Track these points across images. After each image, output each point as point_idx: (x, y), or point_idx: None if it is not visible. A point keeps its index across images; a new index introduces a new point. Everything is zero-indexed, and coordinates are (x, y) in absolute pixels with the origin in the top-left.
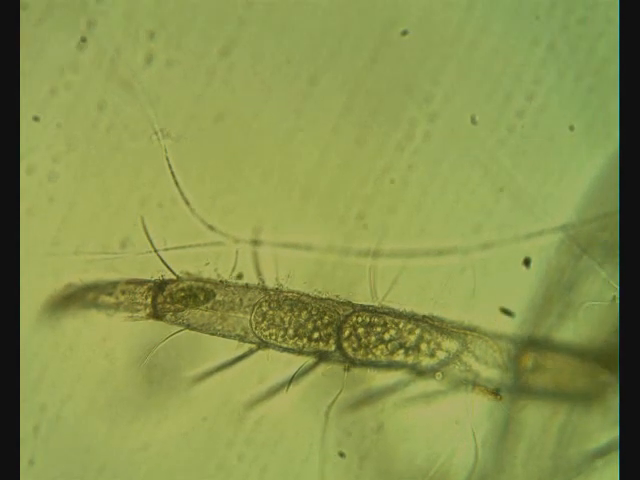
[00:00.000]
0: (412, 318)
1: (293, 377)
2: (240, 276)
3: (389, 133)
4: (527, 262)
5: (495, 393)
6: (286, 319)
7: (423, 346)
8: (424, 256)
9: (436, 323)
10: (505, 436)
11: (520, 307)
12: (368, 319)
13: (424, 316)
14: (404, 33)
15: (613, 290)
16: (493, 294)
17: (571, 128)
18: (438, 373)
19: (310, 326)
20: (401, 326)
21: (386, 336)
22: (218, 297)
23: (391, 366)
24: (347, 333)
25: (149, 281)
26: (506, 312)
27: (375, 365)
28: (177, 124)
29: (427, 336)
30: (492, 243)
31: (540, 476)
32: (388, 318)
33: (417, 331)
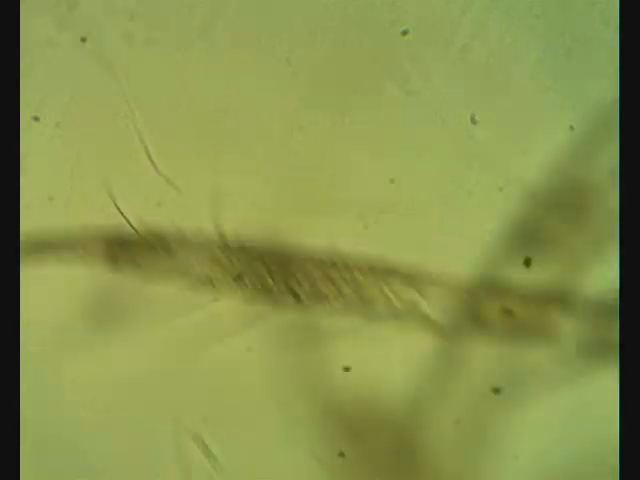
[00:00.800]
0: (367, 266)
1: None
2: (240, 276)
3: None
4: (527, 262)
5: (442, 335)
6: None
7: (377, 292)
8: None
9: (388, 270)
10: (451, 374)
11: (475, 250)
12: (325, 268)
13: (378, 262)
14: (404, 33)
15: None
16: (446, 237)
17: None
18: (390, 316)
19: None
20: (358, 274)
21: (341, 283)
22: (177, 253)
23: (346, 311)
24: (305, 281)
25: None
26: (506, 312)
27: (331, 310)
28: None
29: (381, 283)
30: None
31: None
32: (344, 266)
33: (372, 278)
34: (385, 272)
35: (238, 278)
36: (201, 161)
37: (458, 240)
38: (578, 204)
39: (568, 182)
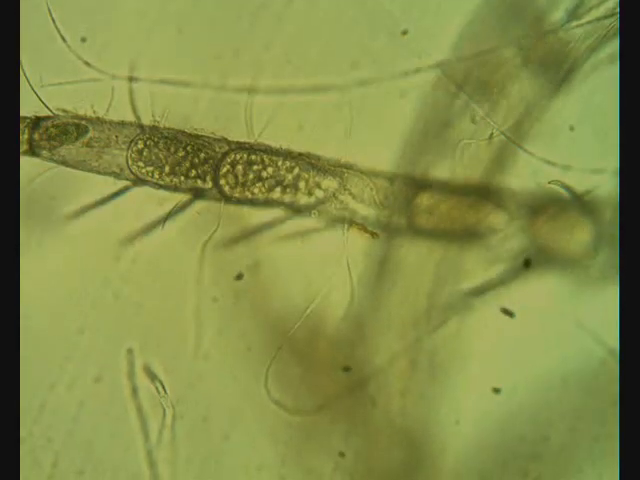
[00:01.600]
0: (289, 156)
1: (169, 214)
2: (240, 276)
3: None
4: (527, 262)
5: (371, 231)
6: (162, 156)
7: (301, 184)
8: (300, 93)
9: (313, 161)
10: (381, 275)
11: (397, 143)
12: (247, 156)
13: (300, 154)
14: (404, 33)
15: (490, 128)
16: (370, 130)
17: None
18: (314, 211)
19: (187, 164)
20: (279, 164)
21: (264, 174)
22: (94, 134)
23: (268, 204)
24: (225, 170)
25: (25, 118)
26: (507, 312)
27: (252, 203)
28: None
29: (305, 175)
30: (369, 80)
31: (415, 315)
32: (266, 156)
33: (296, 170)
34: (311, 165)
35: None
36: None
37: (383, 135)
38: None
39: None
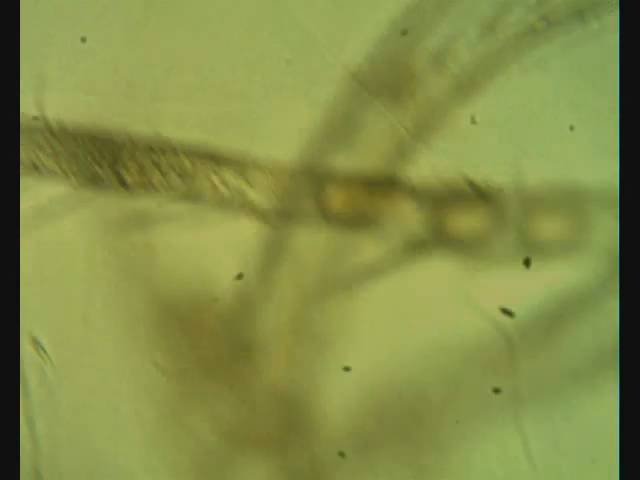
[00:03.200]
0: (189, 146)
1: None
2: (240, 276)
3: None
4: (527, 262)
5: (266, 217)
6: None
7: (201, 173)
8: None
9: (209, 149)
10: (274, 256)
11: (297, 132)
12: (148, 147)
13: (197, 141)
14: (404, 33)
15: (393, 122)
16: (270, 119)
17: None
18: (211, 196)
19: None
20: (180, 154)
21: (164, 162)
22: None
23: (164, 189)
24: (125, 158)
25: None
26: (506, 312)
27: (149, 188)
28: None
29: (205, 163)
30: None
31: (305, 295)
32: (167, 146)
33: (196, 159)
34: (212, 158)
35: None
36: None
37: (284, 126)
38: (400, 87)
39: (391, 65)
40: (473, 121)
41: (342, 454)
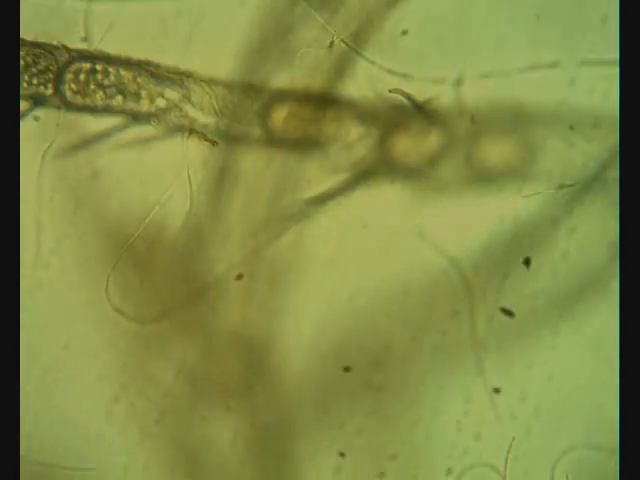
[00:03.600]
0: (130, 64)
1: None
2: (240, 276)
3: None
4: (527, 262)
5: (211, 140)
6: None
7: (143, 92)
8: (140, 0)
9: (153, 69)
10: (221, 184)
11: (237, 50)
12: (89, 66)
13: (140, 62)
14: (404, 33)
15: (330, 36)
16: (210, 38)
17: None
18: (154, 119)
19: (27, 74)
20: (121, 72)
21: (106, 82)
22: None
23: (108, 111)
24: (67, 78)
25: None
26: (506, 312)
27: (92, 110)
28: None
29: (146, 83)
30: None
31: (255, 224)
32: (108, 65)
33: (137, 78)
34: (151, 73)
35: None
36: None
37: (220, 41)
38: None
39: None
40: (404, 32)
41: (303, 401)
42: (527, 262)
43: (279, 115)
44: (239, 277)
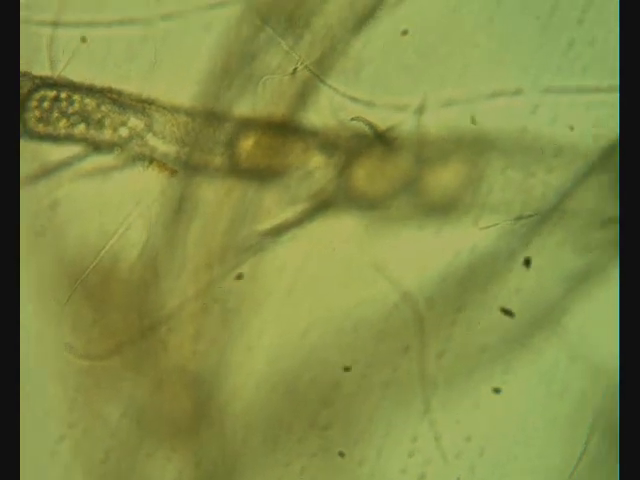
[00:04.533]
0: (93, 91)
1: None
2: (240, 276)
3: None
4: (527, 262)
5: (171, 168)
6: None
7: (106, 121)
8: (105, 26)
9: (115, 97)
10: (179, 214)
11: (201, 77)
12: (54, 93)
13: (103, 88)
14: (404, 33)
15: (293, 63)
16: (174, 64)
17: None
18: (116, 147)
19: None
20: (86, 101)
21: (70, 110)
22: None
23: (70, 139)
24: (31, 105)
25: None
26: (506, 312)
27: (54, 138)
28: None
29: (109, 111)
30: (174, 13)
31: (211, 255)
32: (71, 92)
33: (101, 106)
34: (114, 101)
35: None
36: None
37: (184, 68)
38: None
39: None
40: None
41: (250, 439)
42: (527, 262)
43: (243, 144)
44: (239, 277)
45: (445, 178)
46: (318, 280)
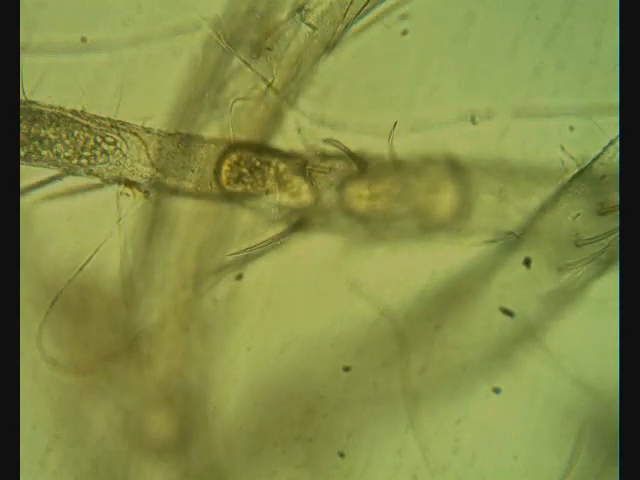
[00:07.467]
0: (62, 114)
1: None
2: (240, 276)
3: None
4: (527, 262)
5: (145, 190)
6: None
7: (79, 143)
8: (71, 51)
9: (87, 121)
10: (154, 234)
11: (171, 102)
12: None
13: (75, 111)
14: (404, 33)
15: (263, 86)
16: (142, 89)
17: None
18: (90, 169)
19: None
20: (55, 123)
21: (42, 133)
22: None
23: (44, 162)
24: None
25: None
26: (506, 312)
27: (28, 160)
28: None
29: (81, 133)
30: (142, 37)
31: (188, 274)
32: (44, 114)
33: (76, 131)
34: (86, 125)
35: None
36: None
37: (153, 93)
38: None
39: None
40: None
41: (234, 451)
42: (527, 262)
43: (216, 167)
44: (239, 277)
45: (420, 200)
46: (295, 299)
